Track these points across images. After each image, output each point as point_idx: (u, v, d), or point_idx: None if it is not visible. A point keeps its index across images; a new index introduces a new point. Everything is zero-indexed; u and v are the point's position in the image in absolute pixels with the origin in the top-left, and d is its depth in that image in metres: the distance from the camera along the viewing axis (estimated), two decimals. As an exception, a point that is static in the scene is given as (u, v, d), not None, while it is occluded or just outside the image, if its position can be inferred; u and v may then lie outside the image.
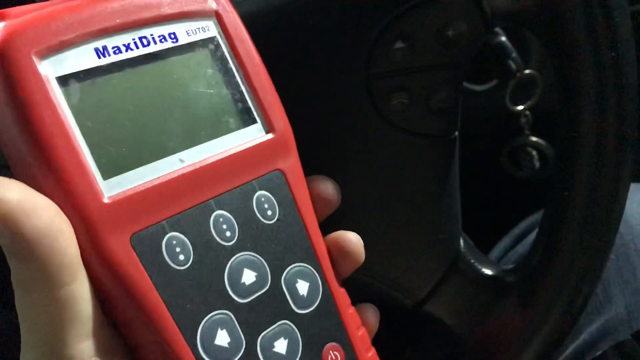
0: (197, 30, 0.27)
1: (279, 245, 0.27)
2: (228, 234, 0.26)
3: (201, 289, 0.24)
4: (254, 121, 0.28)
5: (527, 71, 0.49)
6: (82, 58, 0.24)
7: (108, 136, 0.24)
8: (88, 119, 0.23)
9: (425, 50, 0.33)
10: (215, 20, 0.28)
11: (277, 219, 0.27)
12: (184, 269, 0.24)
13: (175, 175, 0.25)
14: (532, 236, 0.49)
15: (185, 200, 0.25)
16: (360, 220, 0.35)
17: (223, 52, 0.28)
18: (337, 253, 0.29)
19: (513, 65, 0.49)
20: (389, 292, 0.37)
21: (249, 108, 0.28)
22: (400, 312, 0.38)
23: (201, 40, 0.27)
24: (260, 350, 0.25)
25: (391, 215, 0.35)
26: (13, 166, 0.23)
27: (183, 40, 0.26)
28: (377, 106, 0.34)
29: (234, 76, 0.28)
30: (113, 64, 0.24)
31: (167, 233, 0.24)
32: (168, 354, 0.23)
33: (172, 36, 0.26)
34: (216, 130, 0.27)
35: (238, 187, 0.27)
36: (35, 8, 0.24)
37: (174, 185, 0.25)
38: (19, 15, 0.23)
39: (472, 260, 0.37)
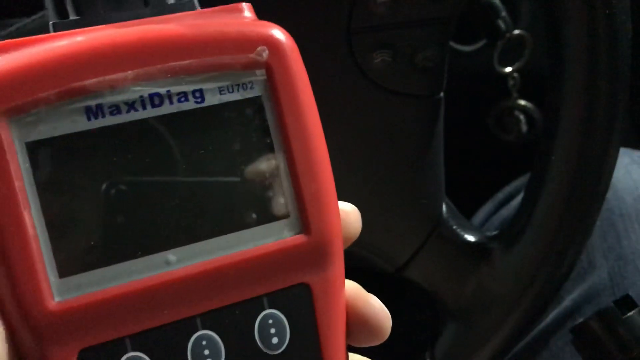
0: (235, 88, 0.20)
1: None
2: None
3: None
4: (285, 215, 0.21)
5: (516, 31, 0.48)
6: (65, 119, 0.18)
7: (78, 223, 0.19)
8: (55, 200, 0.18)
9: (410, 4, 0.32)
10: (264, 75, 0.20)
11: (284, 350, 0.21)
12: None
13: (156, 280, 0.19)
14: (516, 201, 0.48)
15: (161, 314, 0.19)
16: (338, 183, 0.34)
17: (264, 120, 0.20)
18: None
19: (502, 25, 0.47)
20: (369, 258, 0.36)
21: (282, 197, 0.21)
22: (381, 278, 0.38)
23: (237, 101, 0.20)
24: None
25: (371, 179, 0.34)
26: None
27: (211, 100, 0.20)
28: (358, 63, 0.32)
29: (272, 153, 0.21)
30: (105, 129, 0.19)
31: (126, 352, 0.19)
32: None
33: (197, 95, 0.19)
34: (228, 223, 0.20)
35: (239, 302, 0.20)
36: (24, 42, 0.19)
37: (150, 293, 0.19)
38: (4, 50, 0.18)
39: (455, 226, 0.37)
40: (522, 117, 0.55)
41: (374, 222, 0.35)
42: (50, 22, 0.20)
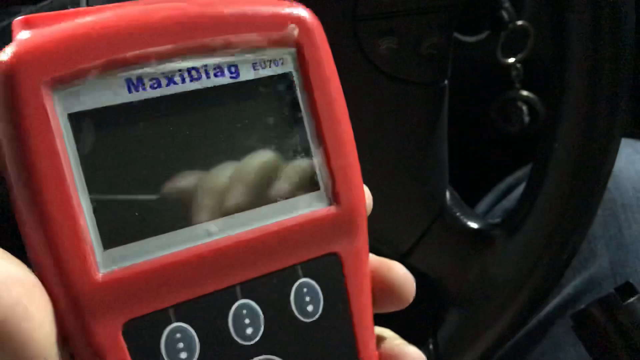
0: (268, 64, 0.21)
1: (314, 352, 0.21)
2: (249, 330, 0.20)
3: None
4: (316, 187, 0.22)
5: (519, 22, 0.48)
6: (107, 91, 0.18)
7: (120, 195, 0.19)
8: (98, 171, 0.18)
9: (416, -9, 0.32)
10: (294, 52, 0.21)
11: (319, 317, 0.21)
12: None
13: (197, 250, 0.19)
14: (517, 191, 0.48)
15: (203, 284, 0.19)
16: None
17: (295, 95, 0.21)
18: None
19: (505, 16, 0.47)
20: (372, 244, 0.36)
21: (313, 170, 0.21)
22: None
23: (270, 77, 0.21)
24: None
25: (376, 165, 0.34)
26: (11, 200, 0.19)
27: (246, 76, 0.20)
28: (364, 50, 0.32)
29: (302, 127, 0.21)
30: (146, 101, 0.19)
31: (170, 323, 0.19)
32: None
33: (233, 70, 0.20)
34: (264, 196, 0.21)
35: (276, 271, 0.21)
36: (64, 14, 0.19)
37: (193, 263, 0.19)
38: (45, 24, 0.18)
39: (458, 213, 0.37)
40: (524, 108, 0.55)
41: (378, 208, 0.35)
42: None
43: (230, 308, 0.20)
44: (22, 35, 0.18)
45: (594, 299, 0.35)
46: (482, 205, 0.53)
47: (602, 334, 0.34)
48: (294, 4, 0.22)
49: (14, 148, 0.18)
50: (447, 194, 0.37)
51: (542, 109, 0.53)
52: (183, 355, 0.19)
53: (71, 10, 0.19)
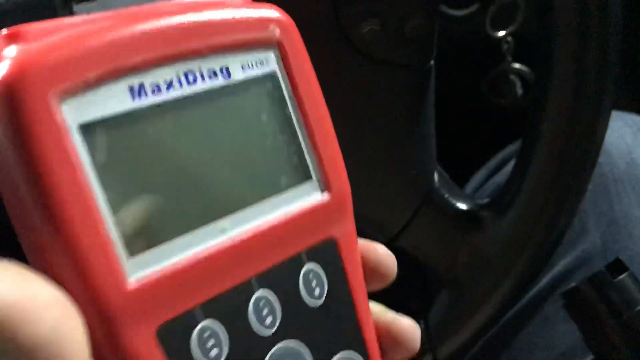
0: (254, 64, 0.22)
1: (325, 331, 0.23)
2: (269, 320, 0.21)
3: None
4: (309, 177, 0.23)
5: (509, -6, 0.47)
6: (112, 99, 0.18)
7: (138, 201, 0.19)
8: (115, 179, 0.18)
9: (397, -28, 0.31)
10: (277, 52, 0.22)
11: (325, 299, 0.23)
12: None
13: (215, 248, 0.20)
14: (509, 166, 0.48)
15: (223, 280, 0.20)
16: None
17: (282, 93, 0.22)
18: (389, 342, 0.25)
19: (494, -12, 0.46)
20: (361, 228, 0.36)
21: (305, 161, 0.23)
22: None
23: (257, 77, 0.22)
24: None
25: (362, 149, 0.34)
26: (15, 223, 0.18)
27: (237, 76, 0.21)
28: (346, 34, 0.32)
29: (291, 122, 0.23)
30: (150, 107, 0.19)
31: (199, 322, 0.19)
32: None
33: (225, 71, 0.21)
34: (266, 189, 0.22)
35: (285, 260, 0.22)
36: (55, 28, 0.19)
37: (213, 262, 0.20)
38: (36, 37, 0.18)
39: (446, 195, 0.37)
40: (517, 80, 0.55)
41: (365, 193, 0.35)
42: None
43: (249, 300, 0.21)
44: (12, 51, 0.17)
45: (585, 277, 0.35)
46: (474, 181, 0.53)
47: (592, 312, 0.34)
48: (267, 4, 0.22)
49: (27, 161, 0.17)
50: (435, 175, 0.37)
51: (535, 81, 0.53)
52: (214, 352, 0.20)
53: (59, 21, 0.19)
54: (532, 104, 0.36)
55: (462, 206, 0.37)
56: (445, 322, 0.37)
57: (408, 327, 0.25)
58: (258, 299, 0.21)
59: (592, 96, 0.34)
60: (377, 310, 0.25)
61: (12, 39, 0.18)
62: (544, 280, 0.42)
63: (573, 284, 0.35)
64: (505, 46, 0.51)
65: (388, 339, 0.25)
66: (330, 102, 0.33)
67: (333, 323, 0.23)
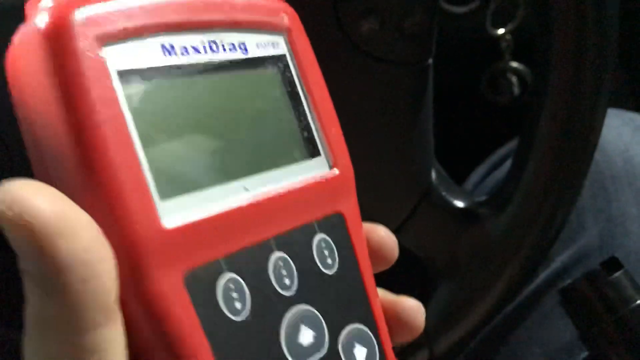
0: (268, 45, 0.23)
1: (337, 301, 0.23)
2: (287, 281, 0.22)
3: (256, 348, 0.20)
4: (318, 153, 0.24)
5: (508, -8, 0.47)
6: (147, 52, 0.20)
7: (169, 149, 0.20)
8: (149, 126, 0.19)
9: (397, -30, 0.31)
10: (286, 38, 0.24)
11: (337, 270, 0.23)
12: (240, 320, 0.20)
13: (239, 204, 0.20)
14: (509, 163, 0.48)
15: (245, 236, 0.21)
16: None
17: (291, 74, 0.24)
18: (393, 320, 0.25)
19: (494, -14, 0.47)
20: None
21: (314, 138, 0.24)
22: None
23: (271, 56, 0.24)
24: None
25: (360, 147, 0.34)
26: (38, 166, 0.19)
27: (253, 53, 0.23)
28: (345, 31, 0.32)
29: (301, 102, 0.24)
30: (179, 66, 0.20)
31: (223, 274, 0.20)
32: None
33: (242, 46, 0.22)
34: (281, 158, 0.23)
35: (299, 227, 0.22)
36: None
37: (237, 217, 0.20)
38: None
39: (444, 193, 0.37)
40: (514, 79, 0.55)
41: (363, 190, 0.35)
42: None
43: (269, 260, 0.21)
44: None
45: (581, 274, 0.35)
46: (474, 177, 0.53)
47: (588, 308, 0.35)
48: None
49: (72, 101, 0.18)
50: (433, 173, 0.37)
51: (533, 80, 0.53)
52: (238, 305, 0.20)
53: None
54: (529, 101, 0.36)
55: (460, 204, 0.37)
56: (443, 317, 0.38)
57: (413, 305, 0.26)
58: (277, 260, 0.21)
59: (588, 93, 0.34)
60: (381, 292, 0.26)
61: None
62: (542, 276, 0.42)
63: (570, 281, 0.35)
64: (504, 44, 0.52)
65: (393, 318, 0.25)
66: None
67: (345, 294, 0.23)
